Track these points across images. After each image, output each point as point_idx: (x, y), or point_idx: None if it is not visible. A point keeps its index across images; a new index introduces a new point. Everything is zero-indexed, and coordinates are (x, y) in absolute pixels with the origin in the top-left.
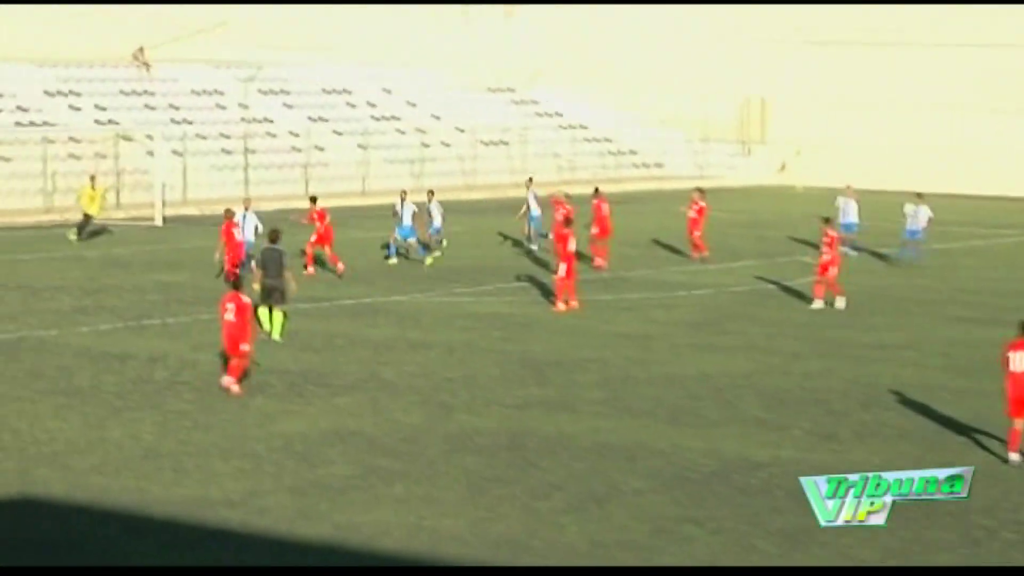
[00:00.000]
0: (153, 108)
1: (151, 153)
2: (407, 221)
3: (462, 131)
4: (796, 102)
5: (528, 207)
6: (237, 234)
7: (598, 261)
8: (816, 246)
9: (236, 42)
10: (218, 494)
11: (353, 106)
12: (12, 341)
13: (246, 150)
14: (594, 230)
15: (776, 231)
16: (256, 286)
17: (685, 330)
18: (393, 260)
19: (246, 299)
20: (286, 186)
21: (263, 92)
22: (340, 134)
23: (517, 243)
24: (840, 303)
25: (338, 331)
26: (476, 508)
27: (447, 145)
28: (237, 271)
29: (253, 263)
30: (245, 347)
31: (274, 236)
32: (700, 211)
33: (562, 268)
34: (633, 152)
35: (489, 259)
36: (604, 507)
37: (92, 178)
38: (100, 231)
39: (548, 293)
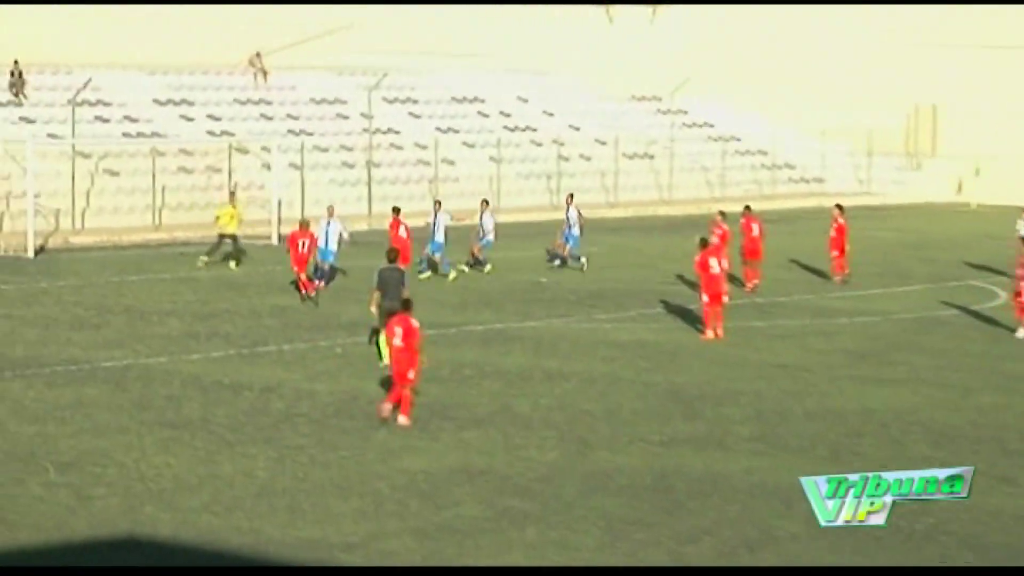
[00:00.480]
0: (270, 118)
1: (267, 166)
2: (439, 235)
3: (603, 143)
4: (971, 111)
5: (568, 225)
6: (302, 246)
7: (750, 284)
8: (997, 270)
9: (359, 46)
10: (336, 536)
11: (485, 115)
12: (118, 369)
13: (369, 163)
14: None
15: (948, 253)
16: (373, 308)
17: (846, 360)
18: (425, 275)
19: (415, 323)
20: (412, 202)
21: (388, 100)
22: (471, 146)
23: (660, 265)
24: (1021, 333)
25: (466, 360)
26: (616, 554)
27: (587, 158)
28: (311, 284)
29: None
30: (412, 375)
31: (393, 255)
32: (839, 230)
33: (706, 295)
34: (790, 166)
35: (632, 282)
36: (757, 554)
37: (232, 194)
38: (237, 254)
39: (696, 320)
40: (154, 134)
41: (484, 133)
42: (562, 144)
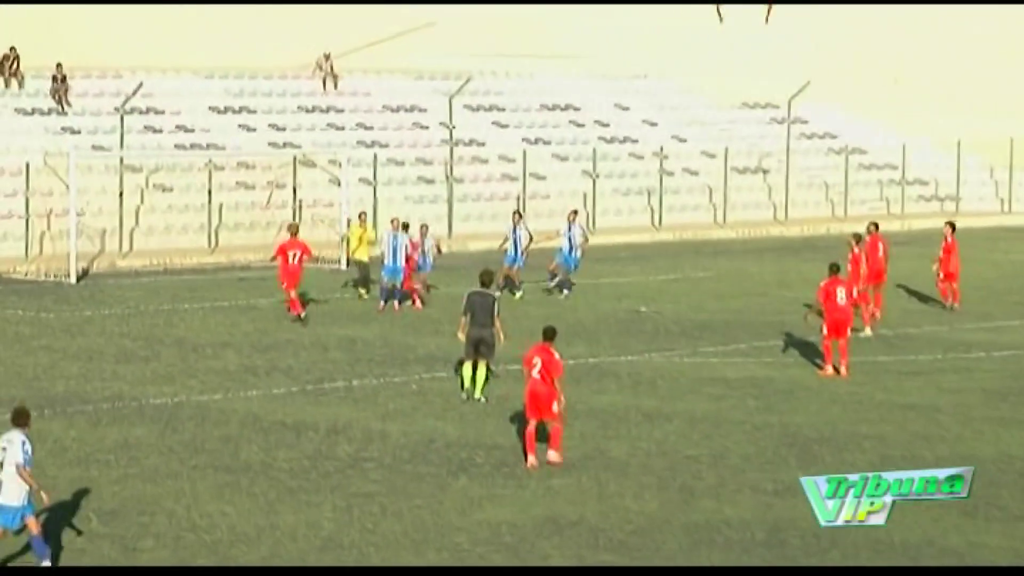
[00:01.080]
0: (339, 128)
1: (336, 181)
2: (516, 250)
3: (711, 156)
4: None
5: (570, 247)
6: (293, 258)
7: (869, 312)
8: None
9: (439, 48)
10: None
11: (579, 125)
12: (169, 407)
13: (450, 178)
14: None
15: None
16: (461, 336)
17: (983, 400)
18: (519, 294)
19: (558, 355)
20: (496, 222)
21: (471, 108)
22: (563, 159)
23: (775, 292)
24: None
25: None
26: None
27: (692, 173)
28: (300, 305)
29: (443, 311)
30: (556, 407)
31: (486, 278)
32: (947, 250)
33: (828, 327)
34: (921, 182)
35: (742, 311)
36: None
37: (363, 215)
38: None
39: (815, 354)
40: (210, 145)
41: (578, 145)
42: (665, 157)
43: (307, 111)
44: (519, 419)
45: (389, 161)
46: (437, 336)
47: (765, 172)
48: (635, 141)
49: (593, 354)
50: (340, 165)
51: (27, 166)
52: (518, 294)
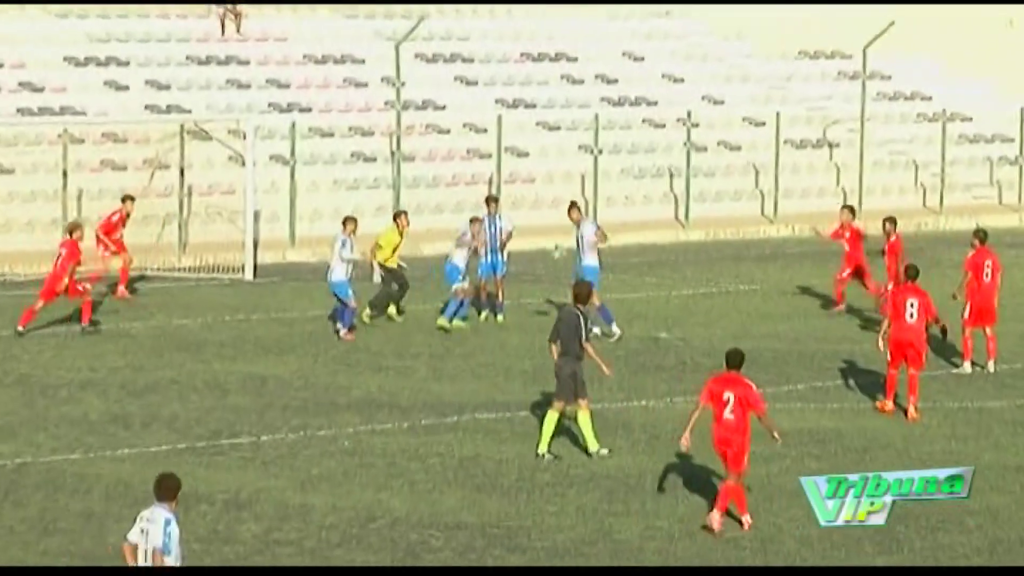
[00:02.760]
0: (244, 86)
1: (238, 159)
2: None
3: (758, 124)
4: None
5: (580, 249)
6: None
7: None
8: None
9: None
10: None
11: (576, 81)
12: (8, 472)
13: (396, 155)
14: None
15: None
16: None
17: None
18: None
19: (756, 388)
20: (459, 214)
21: (425, 58)
22: (552, 128)
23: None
24: None
25: (543, 458)
26: None
27: (732, 148)
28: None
29: (382, 341)
30: (746, 461)
31: (581, 290)
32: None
33: (892, 351)
34: None
35: (798, 337)
36: None
37: (400, 215)
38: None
39: (897, 398)
40: (65, 109)
41: (573, 108)
42: (694, 125)
43: (199, 63)
44: (486, 489)
45: (312, 131)
46: (378, 373)
47: (832, 146)
48: (653, 103)
49: (596, 398)
50: (244, 136)
51: None
52: (500, 316)
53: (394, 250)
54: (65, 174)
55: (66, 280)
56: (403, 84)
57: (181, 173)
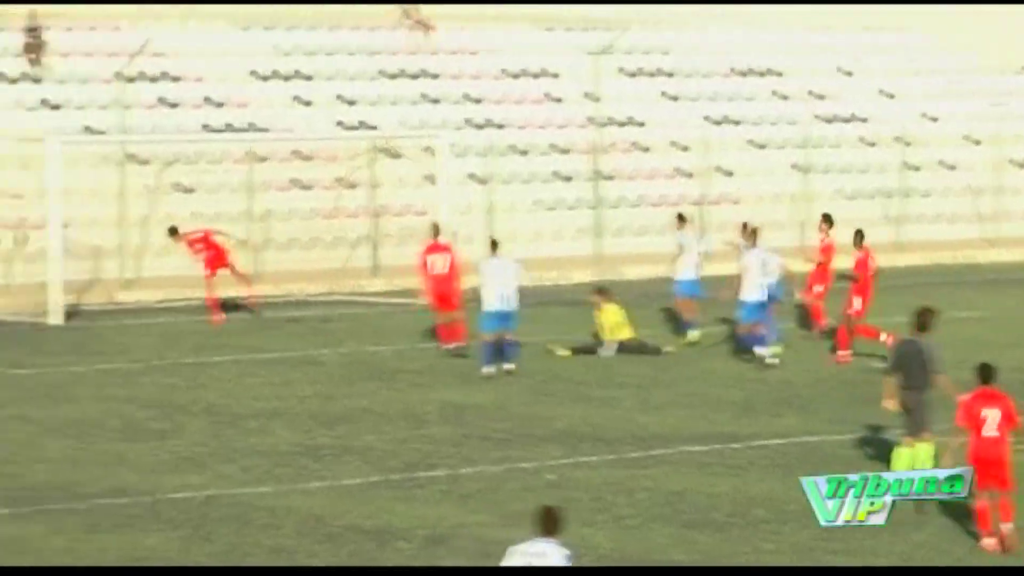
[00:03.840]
0: (435, 101)
1: (430, 178)
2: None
3: (977, 143)
4: None
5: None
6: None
7: None
8: None
9: None
10: None
11: (783, 97)
12: (194, 505)
13: (597, 175)
14: None
15: None
16: (889, 405)
17: None
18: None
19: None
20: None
21: (627, 72)
22: (759, 146)
23: None
24: None
25: (758, 498)
26: None
27: (949, 167)
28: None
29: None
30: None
31: (924, 319)
32: (827, 250)
33: None
34: None
35: None
36: None
37: (603, 293)
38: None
39: None
40: (251, 126)
41: (781, 126)
42: (907, 144)
43: (390, 77)
44: (700, 524)
45: (509, 149)
46: (581, 403)
47: None
48: (864, 120)
49: (808, 429)
50: (437, 154)
51: None
52: (693, 334)
53: (615, 327)
54: (250, 194)
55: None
56: (603, 100)
57: (371, 192)
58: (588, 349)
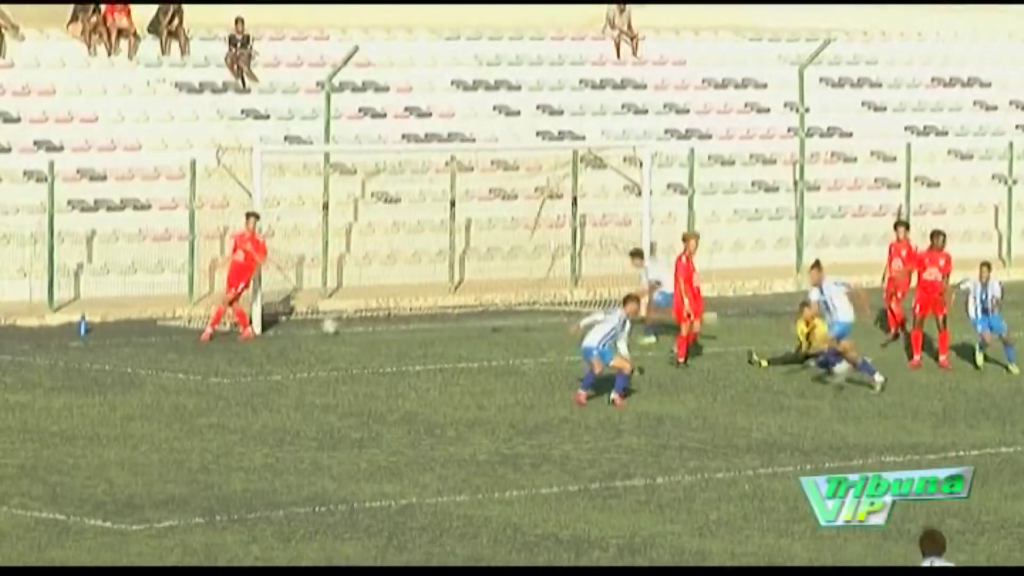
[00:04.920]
0: (641, 111)
1: (634, 188)
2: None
3: None
4: None
5: (828, 306)
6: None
7: None
8: None
9: None
10: None
11: (990, 108)
12: (392, 514)
13: (799, 183)
14: None
15: None
16: None
17: None
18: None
19: None
20: (866, 247)
21: (831, 83)
22: (965, 157)
23: None
24: None
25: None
26: None
27: None
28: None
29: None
30: None
31: None
32: (911, 258)
33: None
34: None
35: None
36: None
37: (808, 306)
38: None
39: None
40: (454, 136)
41: (987, 136)
42: None
43: (593, 87)
44: (895, 535)
45: (712, 159)
46: (779, 413)
47: None
48: None
49: (1005, 440)
50: (641, 164)
51: (192, 165)
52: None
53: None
54: (452, 204)
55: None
56: (807, 110)
57: (574, 203)
58: (788, 359)
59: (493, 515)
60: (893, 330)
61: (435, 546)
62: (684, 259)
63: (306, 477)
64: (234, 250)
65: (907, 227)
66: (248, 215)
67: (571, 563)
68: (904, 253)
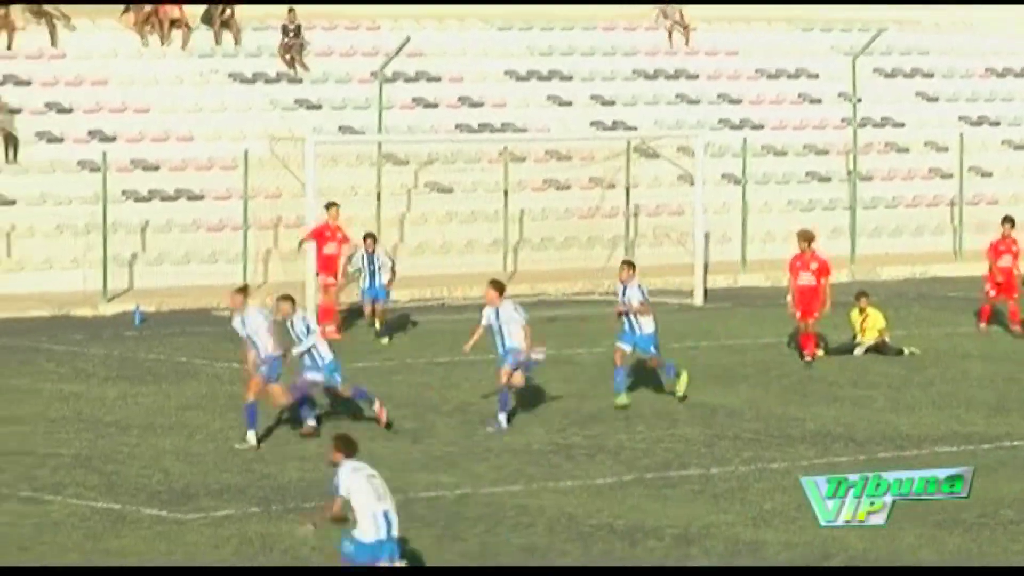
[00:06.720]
0: (693, 101)
1: (687, 178)
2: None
3: None
4: None
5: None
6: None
7: None
8: None
9: None
10: None
11: None
12: (446, 503)
13: (852, 174)
14: None
15: None
16: None
17: None
18: None
19: None
20: (919, 237)
21: (883, 73)
22: (1019, 147)
23: None
24: None
25: (1009, 501)
26: None
27: None
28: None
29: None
30: None
31: None
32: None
33: None
34: None
35: None
36: None
37: (864, 298)
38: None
39: None
40: (507, 126)
41: None
42: None
43: (646, 77)
44: (949, 524)
45: (764, 149)
46: (833, 404)
47: None
48: None
49: None
50: (694, 154)
51: (245, 156)
52: None
53: (871, 328)
54: (506, 194)
55: None
56: (860, 100)
57: (627, 193)
58: (843, 350)
59: (548, 505)
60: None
61: (490, 535)
62: (798, 259)
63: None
64: (322, 242)
65: (1013, 223)
66: (328, 205)
67: (625, 552)
68: (1015, 249)
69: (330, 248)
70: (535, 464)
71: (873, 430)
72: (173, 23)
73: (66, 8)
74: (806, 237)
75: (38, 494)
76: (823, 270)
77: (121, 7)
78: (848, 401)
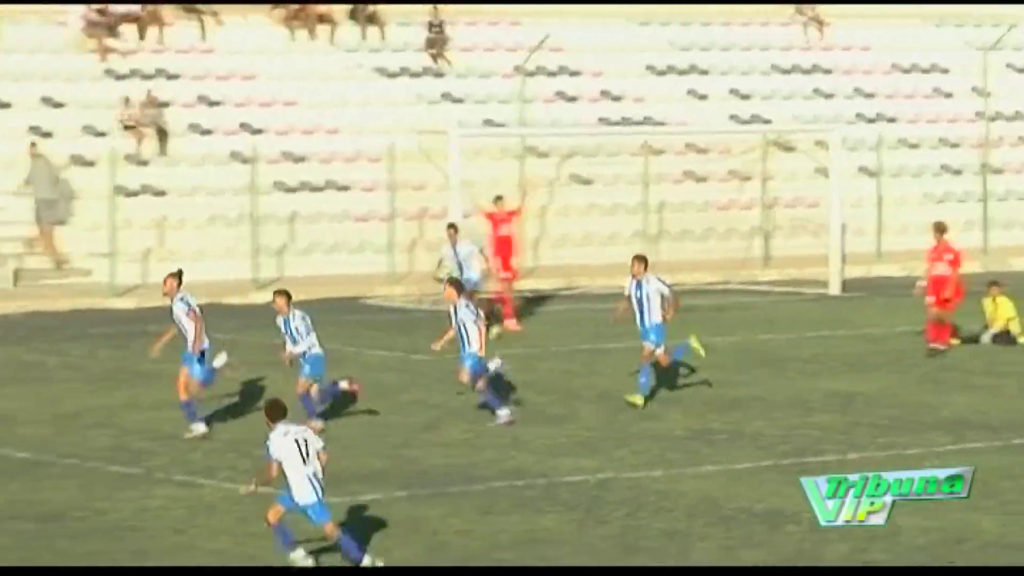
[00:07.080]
0: (828, 95)
1: (823, 171)
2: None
3: None
4: None
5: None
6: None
7: None
8: None
9: None
10: None
11: None
12: (588, 488)
13: (984, 168)
14: None
15: None
16: None
17: None
18: None
19: None
20: None
21: (1016, 68)
22: None
23: None
24: None
25: None
26: None
27: None
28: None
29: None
30: None
31: None
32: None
33: None
34: None
35: None
36: None
37: (996, 286)
38: None
39: None
40: (647, 120)
41: None
42: None
43: (782, 72)
44: None
45: (899, 143)
46: (969, 391)
47: None
48: None
49: None
50: (829, 148)
51: (391, 149)
52: None
53: (1002, 318)
54: (646, 186)
55: None
56: (991, 95)
57: (763, 185)
58: (972, 338)
59: (688, 489)
60: None
61: (632, 519)
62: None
63: (505, 452)
64: (496, 228)
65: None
66: (497, 198)
67: (765, 536)
68: None
69: (504, 230)
70: (675, 449)
71: (1007, 417)
72: (320, 18)
73: (216, 6)
74: (940, 228)
75: (192, 478)
76: (956, 261)
77: (270, 5)
78: (982, 389)
